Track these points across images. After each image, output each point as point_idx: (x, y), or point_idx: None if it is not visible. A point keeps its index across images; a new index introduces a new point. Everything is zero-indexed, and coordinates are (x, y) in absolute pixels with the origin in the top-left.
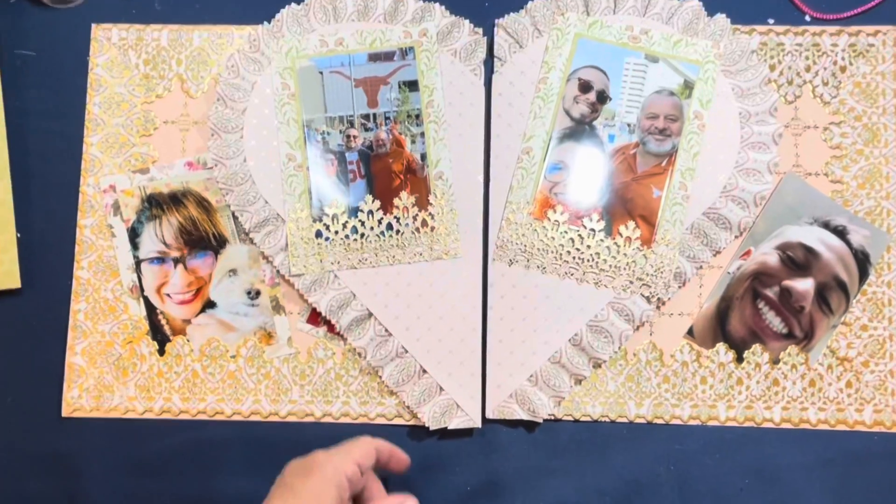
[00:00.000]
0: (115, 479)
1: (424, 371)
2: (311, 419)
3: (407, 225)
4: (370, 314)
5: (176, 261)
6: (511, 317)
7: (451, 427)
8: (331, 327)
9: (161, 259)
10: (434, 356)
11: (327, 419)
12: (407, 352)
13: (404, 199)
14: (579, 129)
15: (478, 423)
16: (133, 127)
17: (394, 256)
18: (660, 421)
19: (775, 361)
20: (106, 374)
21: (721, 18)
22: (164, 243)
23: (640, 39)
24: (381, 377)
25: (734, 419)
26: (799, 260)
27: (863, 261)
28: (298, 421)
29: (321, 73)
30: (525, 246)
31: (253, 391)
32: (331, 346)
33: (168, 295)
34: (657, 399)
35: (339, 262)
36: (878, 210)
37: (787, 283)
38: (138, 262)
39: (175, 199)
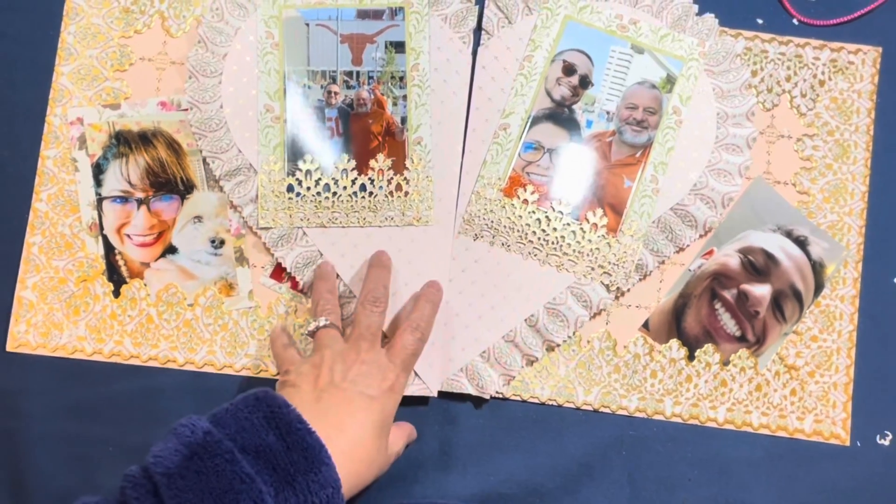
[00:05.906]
0: (56, 420)
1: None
2: (265, 374)
3: (381, 188)
4: (335, 275)
5: (140, 202)
6: (470, 291)
7: (406, 394)
8: (294, 284)
9: (124, 198)
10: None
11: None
12: None
13: (381, 161)
14: (558, 111)
15: (434, 393)
16: (107, 60)
17: (365, 218)
18: (606, 410)
19: (725, 363)
20: (56, 311)
21: (709, 18)
22: (129, 182)
23: (629, 29)
24: None
25: (679, 415)
26: (759, 265)
27: (820, 273)
28: (253, 376)
29: (307, 24)
30: (492, 222)
31: (208, 342)
32: (292, 303)
33: (128, 236)
34: (606, 388)
35: (308, 219)
36: (839, 225)
37: (745, 287)
38: (100, 200)
39: (144, 139)
